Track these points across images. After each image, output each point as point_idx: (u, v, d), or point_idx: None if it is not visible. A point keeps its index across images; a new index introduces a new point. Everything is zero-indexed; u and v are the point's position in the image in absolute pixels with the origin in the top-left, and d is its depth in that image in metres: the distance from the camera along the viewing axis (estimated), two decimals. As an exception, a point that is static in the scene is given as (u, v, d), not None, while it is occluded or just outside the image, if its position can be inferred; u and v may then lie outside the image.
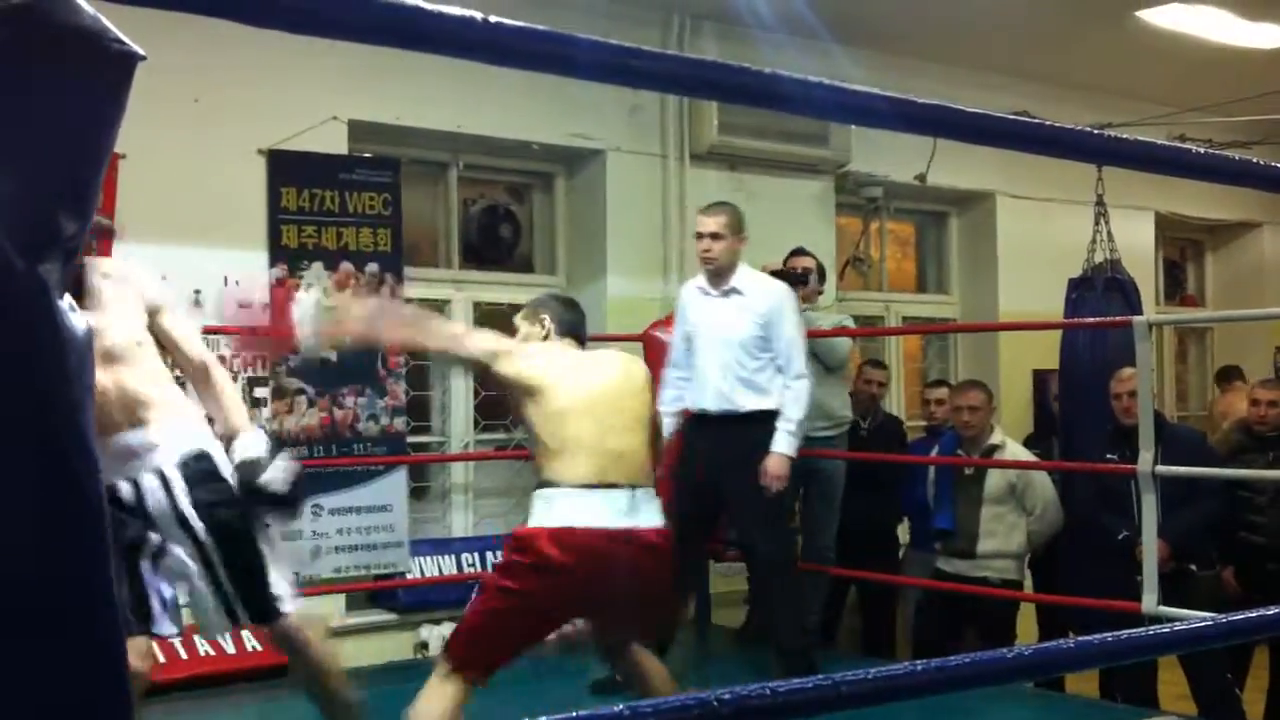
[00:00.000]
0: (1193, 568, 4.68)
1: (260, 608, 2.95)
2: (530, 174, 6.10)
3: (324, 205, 5.09)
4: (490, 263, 5.95)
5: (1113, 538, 4.72)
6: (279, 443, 3.18)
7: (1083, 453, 5.09)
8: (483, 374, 3.45)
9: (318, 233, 5.07)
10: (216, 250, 4.80)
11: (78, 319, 1.01)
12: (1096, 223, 5.85)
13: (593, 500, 3.01)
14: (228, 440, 3.01)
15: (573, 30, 1.10)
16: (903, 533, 5.90)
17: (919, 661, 1.35)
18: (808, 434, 4.58)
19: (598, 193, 5.93)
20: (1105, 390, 4.88)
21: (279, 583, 2.97)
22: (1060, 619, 5.27)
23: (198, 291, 4.73)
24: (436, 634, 5.07)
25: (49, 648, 1.01)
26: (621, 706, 1.12)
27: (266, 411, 4.88)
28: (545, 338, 3.31)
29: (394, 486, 5.20)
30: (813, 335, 4.89)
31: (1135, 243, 7.01)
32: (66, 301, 1.01)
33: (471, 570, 5.36)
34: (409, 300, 5.40)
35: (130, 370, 2.86)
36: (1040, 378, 6.72)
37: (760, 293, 4.37)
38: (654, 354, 5.13)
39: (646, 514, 3.09)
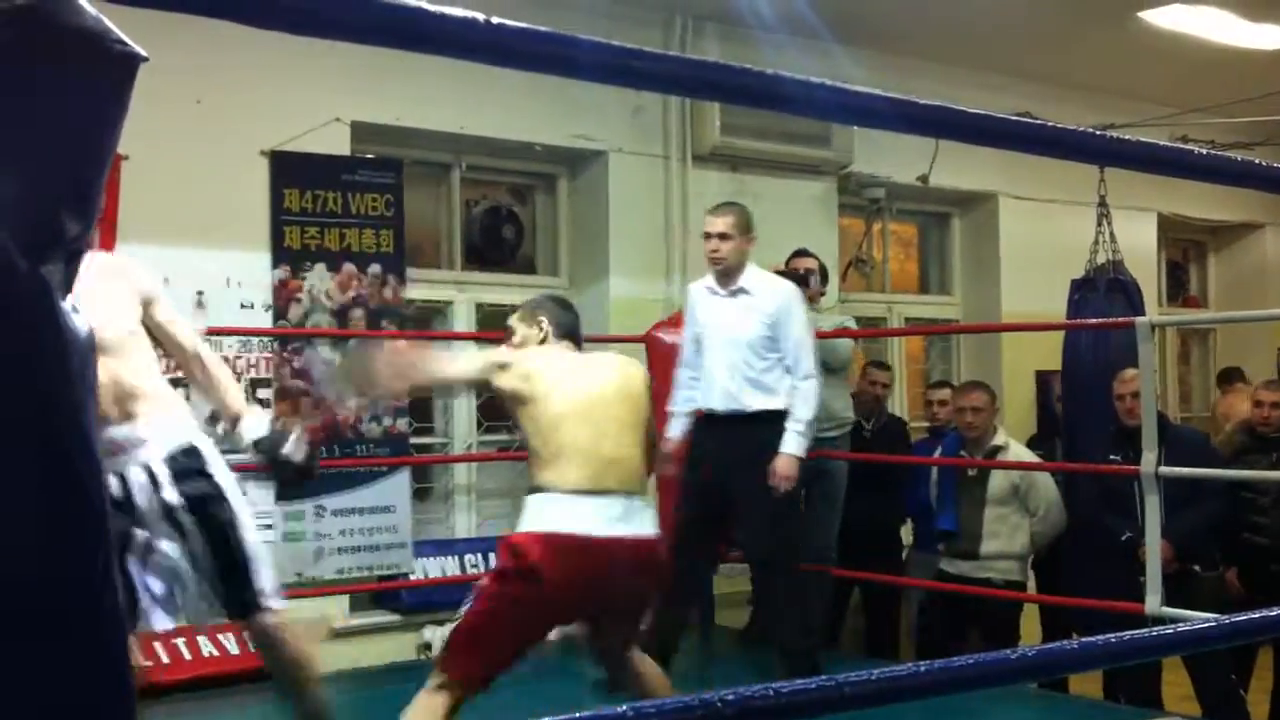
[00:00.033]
0: (1196, 569, 4.68)
1: (243, 601, 2.95)
2: (532, 175, 6.10)
3: (326, 206, 5.09)
4: (493, 264, 5.95)
5: (1115, 539, 4.72)
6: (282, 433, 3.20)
7: (1085, 454, 5.08)
8: (483, 389, 3.46)
9: (320, 234, 5.07)
10: (219, 251, 4.80)
11: (80, 320, 1.01)
12: (1099, 224, 5.85)
13: (584, 506, 2.99)
14: (232, 423, 3.07)
15: (574, 31, 1.10)
16: (905, 534, 5.90)
17: (923, 662, 1.35)
18: (809, 435, 4.57)
19: (600, 194, 5.93)
20: (1108, 391, 4.88)
21: (264, 578, 2.97)
22: (1064, 620, 5.27)
23: (200, 293, 4.74)
24: (439, 635, 5.06)
25: (51, 649, 1.01)
26: (625, 707, 1.12)
27: (270, 413, 4.88)
28: (543, 341, 3.30)
29: (397, 487, 5.20)
30: (815, 336, 4.88)
31: (1138, 244, 7.01)
32: (69, 302, 1.01)
33: (475, 571, 5.36)
34: (410, 302, 5.41)
35: (122, 362, 2.87)
36: (1043, 379, 6.71)
37: (768, 293, 4.36)
38: (657, 355, 5.13)
39: (639, 522, 3.07)
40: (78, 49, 0.97)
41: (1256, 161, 1.84)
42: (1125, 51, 6.56)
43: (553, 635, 3.23)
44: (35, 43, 0.95)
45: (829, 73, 1.30)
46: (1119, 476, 4.63)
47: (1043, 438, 6.08)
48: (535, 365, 3.17)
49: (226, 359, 4.56)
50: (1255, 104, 6.46)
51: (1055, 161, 1.87)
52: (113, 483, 2.83)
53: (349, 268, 5.12)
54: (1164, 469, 4.20)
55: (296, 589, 4.87)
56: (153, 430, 2.91)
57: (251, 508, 3.07)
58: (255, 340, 4.90)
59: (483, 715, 3.00)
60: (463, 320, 5.75)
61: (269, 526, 4.87)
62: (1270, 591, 4.54)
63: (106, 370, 2.79)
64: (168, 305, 3.09)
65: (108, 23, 0.99)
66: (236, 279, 4.87)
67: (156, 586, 2.91)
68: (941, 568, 5.14)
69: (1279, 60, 6.54)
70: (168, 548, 2.87)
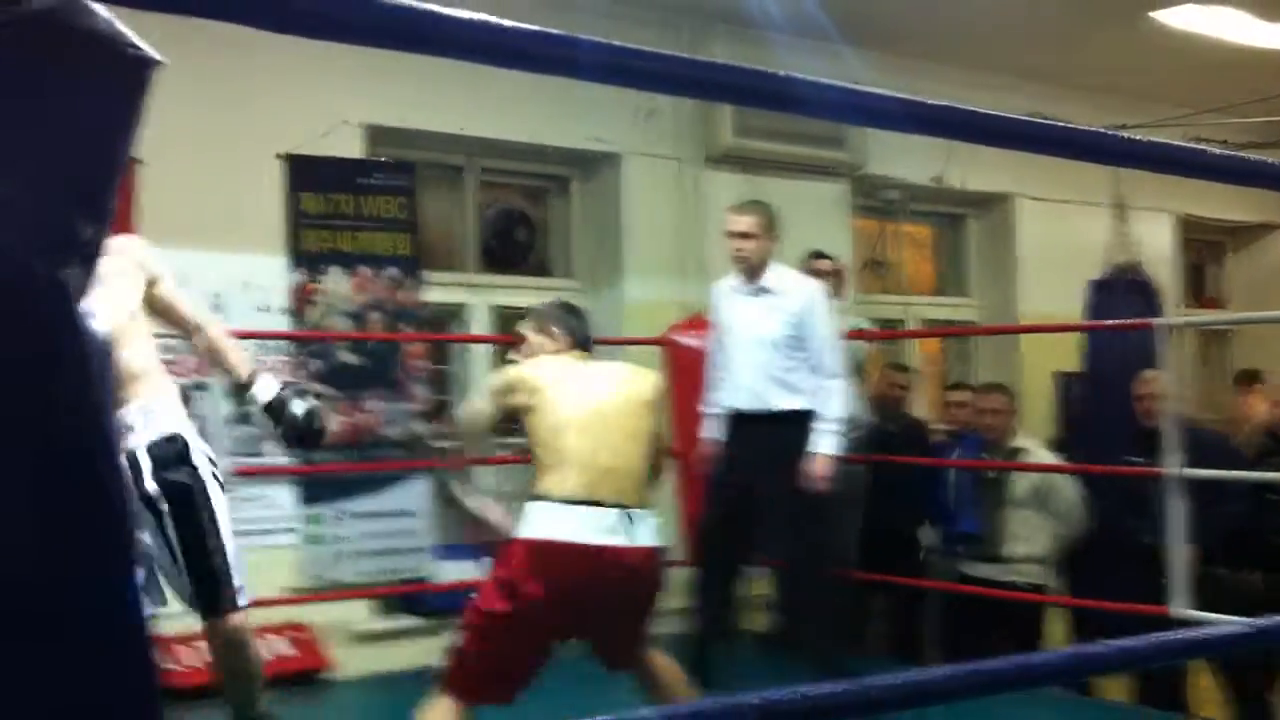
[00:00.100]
0: (1219, 571, 4.64)
1: (216, 594, 2.95)
2: (546, 177, 6.10)
3: (342, 210, 5.10)
4: (507, 266, 5.95)
5: (1137, 541, 4.69)
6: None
7: (1106, 456, 5.05)
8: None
9: (335, 237, 5.09)
10: (236, 255, 4.82)
11: (98, 323, 1.02)
12: (1116, 224, 5.82)
13: (574, 515, 2.98)
14: (243, 388, 3.14)
15: (584, 33, 1.10)
16: (926, 536, 5.86)
17: (950, 665, 1.34)
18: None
19: (613, 196, 5.93)
20: (1127, 393, 4.85)
21: (236, 577, 2.98)
22: (1094, 624, 5.23)
23: (216, 296, 4.75)
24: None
25: (72, 650, 1.01)
26: (649, 710, 1.12)
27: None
28: (556, 350, 3.31)
29: (416, 492, 5.21)
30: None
31: (1155, 245, 6.97)
32: (86, 305, 1.01)
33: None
34: (425, 303, 5.41)
35: (122, 345, 2.89)
36: (1062, 380, 6.67)
37: (793, 292, 4.35)
38: (675, 358, 5.12)
39: (635, 533, 3.03)
40: (89, 52, 0.97)
41: (1272, 161, 1.83)
42: (1137, 52, 6.53)
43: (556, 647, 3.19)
44: (49, 46, 0.95)
45: (838, 74, 1.29)
46: (1140, 479, 4.60)
47: (1063, 440, 6.04)
48: (541, 377, 3.18)
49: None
50: (1270, 104, 6.42)
51: (1071, 162, 1.86)
52: None
53: (365, 271, 5.13)
54: (1187, 471, 4.17)
55: (319, 592, 4.89)
56: (141, 417, 2.93)
57: (273, 511, 3.09)
58: (272, 343, 4.91)
59: (506, 716, 3.00)
60: (479, 323, 5.76)
61: (290, 530, 4.88)
62: (1293, 594, 4.50)
63: None
64: (170, 282, 3.13)
65: (122, 27, 0.99)
66: (252, 282, 4.88)
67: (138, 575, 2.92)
68: (963, 571, 5.12)
69: (1294, 59, 6.50)
70: (146, 537, 2.88)
